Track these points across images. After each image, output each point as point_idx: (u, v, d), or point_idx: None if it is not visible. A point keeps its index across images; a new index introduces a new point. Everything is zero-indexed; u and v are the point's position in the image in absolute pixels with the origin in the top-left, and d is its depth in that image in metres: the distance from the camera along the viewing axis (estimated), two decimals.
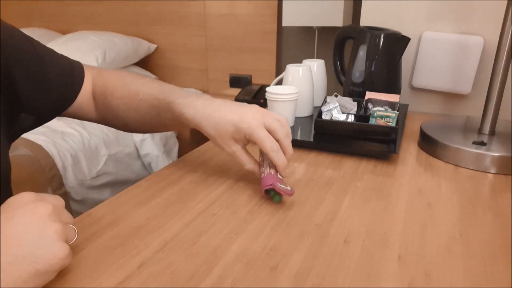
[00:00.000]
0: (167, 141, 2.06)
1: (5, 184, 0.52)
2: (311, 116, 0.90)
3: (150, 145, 1.88)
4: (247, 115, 0.52)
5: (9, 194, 0.55)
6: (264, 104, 0.69)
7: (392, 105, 0.80)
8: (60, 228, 0.36)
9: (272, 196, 0.52)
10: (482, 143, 0.67)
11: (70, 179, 1.49)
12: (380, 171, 0.64)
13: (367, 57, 0.91)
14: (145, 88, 0.59)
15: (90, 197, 1.58)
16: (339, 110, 0.79)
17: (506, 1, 0.67)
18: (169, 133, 2.09)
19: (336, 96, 0.84)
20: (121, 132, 1.81)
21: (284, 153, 0.54)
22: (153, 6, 2.33)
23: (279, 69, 2.16)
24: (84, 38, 2.13)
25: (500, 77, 0.69)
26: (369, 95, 0.84)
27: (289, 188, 0.53)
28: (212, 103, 0.54)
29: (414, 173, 0.63)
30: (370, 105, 0.81)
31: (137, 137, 1.86)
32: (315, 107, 0.92)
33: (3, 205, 0.36)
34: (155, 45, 2.37)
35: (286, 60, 2.14)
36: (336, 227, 0.47)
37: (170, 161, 1.98)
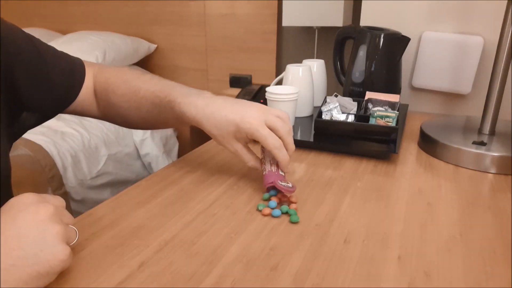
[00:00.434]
0: (167, 141, 2.06)
1: (5, 184, 0.52)
2: (311, 116, 0.90)
3: (150, 145, 1.88)
4: (248, 115, 0.52)
5: (9, 194, 0.55)
6: (264, 104, 0.69)
7: (392, 105, 0.80)
8: (61, 230, 0.36)
9: (289, 215, 0.50)
10: (482, 143, 0.67)
11: (70, 179, 1.49)
12: (380, 171, 0.64)
13: (367, 57, 0.91)
14: (146, 85, 0.59)
15: (90, 197, 1.58)
16: (339, 110, 0.79)
17: (506, 1, 0.67)
18: (169, 133, 2.09)
19: (336, 96, 0.84)
20: (121, 132, 1.81)
21: (286, 149, 0.54)
22: (153, 6, 2.33)
23: (279, 69, 2.16)
24: (84, 38, 2.13)
25: (500, 77, 0.69)
26: (369, 95, 0.84)
27: (290, 185, 0.53)
28: (213, 102, 0.54)
29: (414, 173, 0.63)
30: (370, 105, 0.81)
31: (137, 137, 1.86)
32: (315, 107, 0.92)
33: (4, 206, 0.36)
34: (155, 45, 2.37)
35: (286, 60, 2.14)
36: (336, 227, 0.47)
37: (170, 161, 1.98)
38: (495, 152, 0.64)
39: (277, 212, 0.49)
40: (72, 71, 0.60)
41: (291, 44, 2.11)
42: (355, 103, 0.83)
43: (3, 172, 0.50)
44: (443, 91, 0.99)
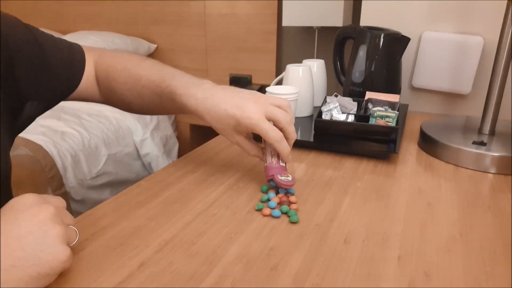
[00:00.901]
0: (167, 141, 2.06)
1: (5, 183, 0.52)
2: (311, 116, 0.90)
3: (150, 145, 1.88)
4: (248, 109, 0.52)
5: (9, 193, 0.55)
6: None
7: (392, 105, 0.80)
8: (62, 231, 0.36)
9: (289, 215, 0.50)
10: (482, 143, 0.67)
11: (70, 179, 1.49)
12: (380, 171, 0.64)
13: (367, 57, 0.91)
14: (146, 74, 0.59)
15: (90, 197, 1.58)
16: (339, 110, 0.79)
17: (506, 1, 0.67)
18: (169, 133, 2.09)
19: (336, 96, 0.84)
20: (121, 132, 1.81)
21: (288, 138, 0.54)
22: (153, 6, 2.33)
23: (279, 69, 2.16)
24: (84, 38, 2.13)
25: (500, 77, 0.69)
26: (369, 95, 0.84)
27: (290, 178, 0.54)
28: (213, 94, 0.54)
29: (414, 173, 0.63)
30: (370, 105, 0.81)
31: (137, 137, 1.86)
32: (315, 107, 0.92)
33: (5, 206, 0.36)
34: (155, 45, 2.37)
35: (286, 60, 2.14)
36: (336, 227, 0.47)
37: (170, 161, 1.98)
38: (495, 152, 0.64)
39: (277, 212, 0.50)
40: (72, 59, 0.60)
41: (291, 44, 2.11)
42: (355, 103, 0.83)
43: (3, 169, 0.50)
44: (443, 91, 0.99)
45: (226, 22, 2.17)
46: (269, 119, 0.53)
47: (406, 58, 0.98)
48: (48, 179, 1.40)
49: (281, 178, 0.53)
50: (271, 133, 0.52)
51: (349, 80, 0.95)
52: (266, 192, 0.56)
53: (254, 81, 2.19)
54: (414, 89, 1.02)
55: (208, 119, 0.54)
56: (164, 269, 0.40)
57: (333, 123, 0.76)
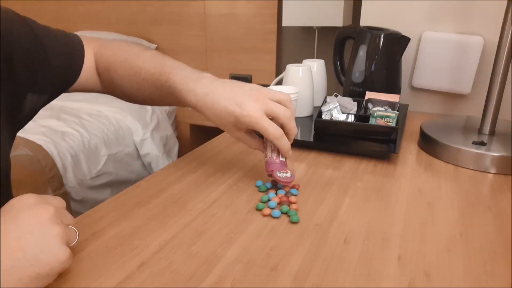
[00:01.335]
0: (167, 141, 2.06)
1: (5, 179, 0.51)
2: (311, 116, 0.90)
3: (150, 145, 1.88)
4: (247, 107, 0.52)
5: (9, 191, 0.55)
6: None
7: (392, 105, 0.80)
8: (62, 231, 0.36)
9: (289, 215, 0.50)
10: (482, 143, 0.67)
11: (70, 179, 1.49)
12: (380, 171, 0.64)
13: (367, 57, 0.91)
14: (146, 66, 0.58)
15: (90, 197, 1.58)
16: (339, 110, 0.79)
17: (506, 1, 0.67)
18: (169, 133, 2.09)
19: (336, 96, 0.84)
20: (121, 132, 1.81)
21: (288, 134, 0.54)
22: (153, 6, 2.33)
23: (279, 69, 2.16)
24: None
25: (500, 77, 0.69)
26: (369, 95, 0.84)
27: (289, 174, 0.54)
28: (212, 90, 0.54)
29: (414, 173, 0.63)
30: (370, 105, 0.81)
31: (137, 137, 1.86)
32: (315, 107, 0.92)
33: (5, 207, 0.36)
34: (155, 45, 2.37)
35: (286, 60, 2.14)
36: (336, 227, 0.47)
37: (170, 161, 1.98)
38: (495, 152, 0.64)
39: (276, 212, 0.50)
40: (71, 51, 0.59)
41: (291, 44, 2.11)
42: (355, 103, 0.83)
43: (3, 166, 0.50)
44: (443, 91, 0.99)
45: (226, 22, 2.17)
46: (269, 116, 0.53)
47: (406, 58, 0.98)
48: (48, 179, 1.40)
49: (280, 175, 0.54)
50: (271, 131, 0.52)
51: (349, 80, 0.95)
52: (265, 191, 0.56)
53: (254, 81, 2.19)
54: (414, 89, 1.02)
55: (208, 115, 0.54)
56: (164, 269, 0.40)
57: (333, 123, 0.76)
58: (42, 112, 0.59)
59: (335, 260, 0.41)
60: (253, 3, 2.08)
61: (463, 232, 0.47)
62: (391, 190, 0.57)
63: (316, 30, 1.87)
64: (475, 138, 0.70)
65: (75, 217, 0.43)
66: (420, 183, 0.60)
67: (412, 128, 0.86)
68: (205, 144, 0.76)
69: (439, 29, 0.95)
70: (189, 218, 0.49)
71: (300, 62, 0.97)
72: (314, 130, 0.78)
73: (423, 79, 0.99)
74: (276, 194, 0.55)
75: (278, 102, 0.54)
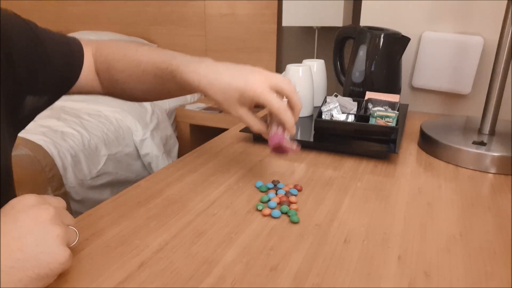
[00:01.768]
0: (167, 141, 2.06)
1: (6, 179, 0.51)
2: (311, 116, 0.90)
3: (150, 145, 1.88)
4: (252, 80, 0.52)
5: (11, 192, 0.55)
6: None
7: (392, 105, 0.80)
8: (62, 232, 0.36)
9: (289, 215, 0.50)
10: (482, 143, 0.67)
11: (70, 179, 1.49)
12: (380, 171, 0.64)
13: (367, 57, 0.91)
14: (146, 58, 0.58)
15: (90, 197, 1.58)
16: (339, 110, 0.79)
17: (506, 1, 0.67)
18: (169, 133, 2.09)
19: (336, 96, 0.84)
20: (121, 132, 1.81)
21: (293, 108, 0.54)
22: (153, 6, 2.34)
23: (279, 69, 2.16)
24: (84, 38, 2.13)
25: (500, 77, 0.69)
26: (369, 95, 0.84)
27: (294, 147, 0.55)
28: (216, 68, 0.54)
29: (414, 173, 0.63)
30: (370, 105, 0.81)
31: (137, 137, 1.86)
32: (315, 107, 0.92)
33: (5, 207, 0.36)
34: (155, 45, 2.37)
35: (286, 60, 2.14)
36: (336, 227, 0.47)
37: (170, 161, 1.98)
38: (495, 152, 0.64)
39: (276, 212, 0.50)
40: (70, 53, 0.59)
41: (291, 44, 2.11)
42: (355, 103, 0.83)
43: (3, 166, 0.50)
44: (443, 91, 0.99)
45: (226, 22, 2.17)
46: (273, 89, 0.53)
47: (406, 58, 0.98)
48: (48, 179, 1.40)
49: (287, 146, 0.54)
50: (276, 103, 0.52)
51: (349, 80, 0.95)
52: (265, 191, 0.56)
53: None
54: (414, 89, 1.02)
55: (212, 92, 0.53)
56: (164, 269, 0.40)
57: (333, 123, 0.76)
58: (42, 112, 0.59)
59: (335, 260, 0.41)
60: (253, 3, 2.08)
61: (463, 232, 0.47)
62: (391, 190, 0.57)
63: (316, 30, 1.87)
64: (475, 138, 0.70)
65: (75, 217, 0.43)
66: (420, 183, 0.60)
67: (412, 128, 0.86)
68: (205, 144, 0.76)
69: (439, 29, 0.96)
70: (189, 218, 0.49)
71: (300, 62, 0.97)
72: (314, 130, 0.78)
73: (423, 79, 0.99)
74: (276, 194, 0.55)
75: (281, 79, 0.55)
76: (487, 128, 0.72)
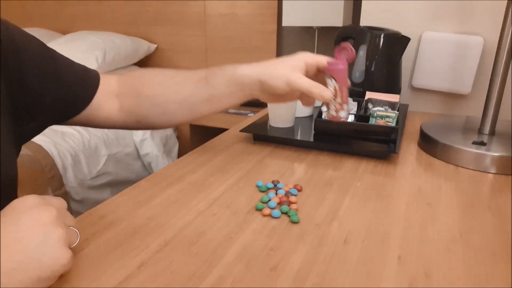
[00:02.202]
0: (167, 141, 2.07)
1: (10, 191, 0.51)
2: (311, 116, 0.90)
3: (150, 145, 1.88)
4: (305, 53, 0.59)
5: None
6: (264, 104, 0.69)
7: (392, 105, 0.80)
8: (64, 233, 0.36)
9: (289, 215, 0.50)
10: (482, 143, 0.67)
11: (70, 179, 1.49)
12: (380, 171, 0.64)
13: (367, 57, 0.91)
14: (181, 71, 0.60)
15: (90, 197, 1.58)
16: None
17: (506, 1, 0.67)
18: (169, 133, 2.09)
19: None
20: (121, 132, 1.81)
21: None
22: (153, 6, 2.34)
23: None
24: (84, 38, 2.13)
25: (500, 77, 0.69)
26: (369, 95, 0.84)
27: (343, 114, 0.61)
28: (259, 63, 0.60)
29: (414, 173, 0.63)
30: (370, 105, 0.81)
31: (137, 137, 1.86)
32: (315, 107, 0.92)
33: (6, 208, 0.36)
34: (155, 45, 2.37)
35: None
36: (336, 227, 0.47)
37: (170, 161, 1.98)
38: (495, 152, 0.64)
39: (276, 212, 0.50)
40: (85, 77, 0.59)
41: (291, 44, 2.11)
42: (355, 103, 0.83)
43: (3, 176, 0.49)
44: (443, 91, 0.99)
45: (226, 22, 2.17)
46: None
47: (406, 58, 0.98)
48: (48, 179, 1.40)
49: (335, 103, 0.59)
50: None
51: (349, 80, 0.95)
52: (265, 191, 0.56)
53: None
54: (414, 89, 1.02)
55: (270, 75, 0.58)
56: (164, 269, 0.40)
57: (333, 123, 0.76)
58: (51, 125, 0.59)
59: (335, 260, 0.41)
60: (253, 3, 2.08)
61: (463, 232, 0.47)
62: (391, 190, 0.57)
63: (316, 30, 1.87)
64: (475, 138, 0.70)
65: (75, 217, 0.43)
66: (420, 183, 0.60)
67: (412, 128, 0.86)
68: (205, 144, 0.76)
69: (439, 29, 0.96)
70: (189, 218, 0.49)
71: None
72: (314, 130, 0.78)
73: (423, 79, 0.99)
74: (276, 194, 0.55)
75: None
76: (487, 128, 0.72)
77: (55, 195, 1.43)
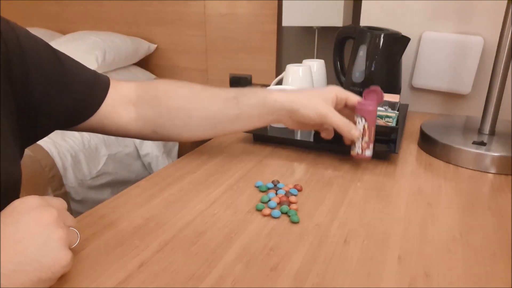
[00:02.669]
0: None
1: (14, 193, 0.51)
2: None
3: (150, 145, 1.88)
4: (336, 87, 0.61)
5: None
6: None
7: (392, 105, 0.80)
8: (64, 234, 0.36)
9: (289, 215, 0.50)
10: (482, 143, 0.67)
11: (70, 179, 1.49)
12: (380, 171, 0.64)
13: (367, 57, 0.91)
14: (208, 87, 0.60)
15: (90, 197, 1.58)
16: None
17: (506, 1, 0.67)
18: None
19: None
20: None
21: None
22: (153, 6, 2.33)
23: (279, 69, 2.16)
24: (84, 38, 2.13)
25: (500, 77, 0.69)
26: None
27: (368, 153, 0.63)
28: (291, 90, 0.62)
29: (414, 173, 0.63)
30: None
31: None
32: None
33: (7, 208, 0.36)
34: (155, 45, 2.37)
35: (286, 60, 2.14)
36: (336, 227, 0.47)
37: (170, 161, 1.98)
38: (495, 152, 0.64)
39: (276, 212, 0.50)
40: (93, 84, 0.57)
41: (291, 44, 2.11)
42: None
43: (7, 179, 0.48)
44: (443, 91, 0.99)
45: (226, 22, 2.17)
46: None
47: (406, 58, 0.98)
48: (48, 179, 1.40)
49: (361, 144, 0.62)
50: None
51: (349, 80, 0.95)
52: (265, 191, 0.56)
53: (254, 81, 2.18)
54: (414, 89, 1.02)
55: (303, 103, 0.58)
56: (164, 269, 0.40)
57: None
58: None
59: (335, 260, 0.41)
60: (253, 3, 2.08)
61: (463, 232, 0.47)
62: (391, 190, 0.57)
63: (316, 30, 1.87)
64: (475, 138, 0.70)
65: (75, 217, 0.43)
66: (420, 183, 0.60)
67: (412, 128, 0.86)
68: (205, 144, 0.76)
69: (439, 29, 0.96)
70: (189, 218, 0.49)
71: (300, 62, 0.97)
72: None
73: (423, 79, 0.99)
74: (276, 194, 0.55)
75: None
76: (487, 128, 0.72)
77: (55, 195, 1.43)
